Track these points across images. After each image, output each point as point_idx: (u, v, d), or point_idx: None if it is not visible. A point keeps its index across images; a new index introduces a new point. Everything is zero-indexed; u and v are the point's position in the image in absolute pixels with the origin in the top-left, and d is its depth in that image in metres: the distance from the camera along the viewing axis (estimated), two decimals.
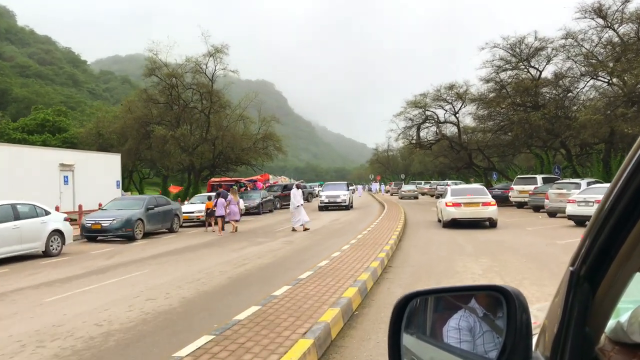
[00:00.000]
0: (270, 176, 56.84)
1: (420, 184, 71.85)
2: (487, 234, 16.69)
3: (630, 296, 1.11)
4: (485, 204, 18.41)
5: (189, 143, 37.06)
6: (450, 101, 42.72)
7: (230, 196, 20.02)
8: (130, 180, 47.98)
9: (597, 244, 0.97)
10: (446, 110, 43.76)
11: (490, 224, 18.61)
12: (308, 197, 50.84)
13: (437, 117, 44.32)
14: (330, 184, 38.11)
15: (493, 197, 34.43)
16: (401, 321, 1.37)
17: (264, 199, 32.95)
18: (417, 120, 44.07)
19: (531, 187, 27.94)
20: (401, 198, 49.03)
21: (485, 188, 20.32)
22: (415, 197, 49.13)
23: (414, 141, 44.97)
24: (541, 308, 1.66)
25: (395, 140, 46.16)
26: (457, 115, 43.40)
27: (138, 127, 37.82)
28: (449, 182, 52.88)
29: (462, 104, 42.41)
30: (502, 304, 1.15)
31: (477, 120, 40.55)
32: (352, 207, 34.48)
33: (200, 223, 23.26)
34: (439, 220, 20.26)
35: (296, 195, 19.37)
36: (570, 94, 35.57)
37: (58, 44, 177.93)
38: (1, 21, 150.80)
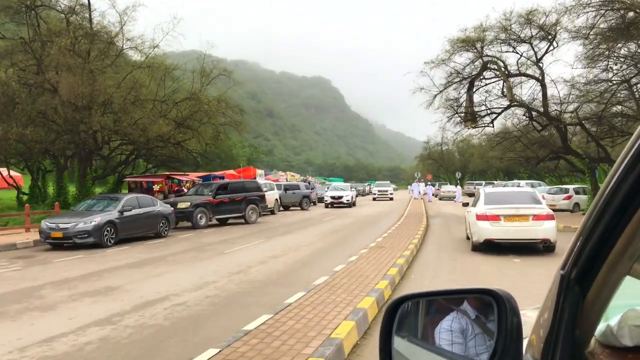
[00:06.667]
0: (258, 171, 39.74)
1: (481, 184, 54.91)
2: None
3: (620, 299, 1.07)
4: (537, 217, 11.33)
5: (25, 101, 20.34)
6: (527, 39, 23.71)
7: None
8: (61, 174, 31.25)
9: (588, 247, 0.95)
10: (520, 55, 24.41)
11: (546, 248, 11.60)
12: (302, 201, 34.29)
13: (506, 67, 24.69)
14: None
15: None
16: (392, 324, 1.33)
17: (126, 213, 15.93)
18: (467, 73, 24.78)
19: None
20: (440, 199, 48.51)
21: (536, 193, 12.62)
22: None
23: (461, 111, 25.15)
24: (532, 311, 1.59)
25: (427, 106, 26.15)
26: (542, 63, 24.21)
27: None
28: (522, 182, 35.52)
29: (550, 44, 23.39)
30: (493, 307, 1.12)
31: (587, 62, 21.20)
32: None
33: None
34: (468, 238, 13.60)
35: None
36: None
37: None
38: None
